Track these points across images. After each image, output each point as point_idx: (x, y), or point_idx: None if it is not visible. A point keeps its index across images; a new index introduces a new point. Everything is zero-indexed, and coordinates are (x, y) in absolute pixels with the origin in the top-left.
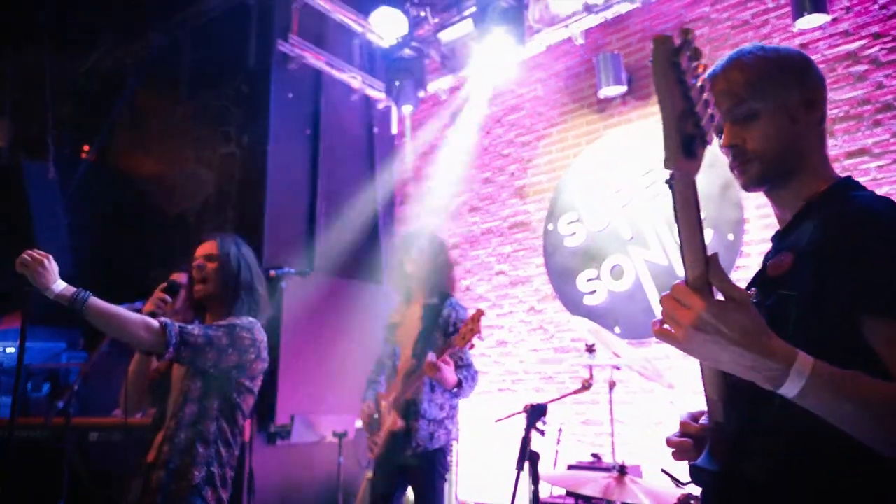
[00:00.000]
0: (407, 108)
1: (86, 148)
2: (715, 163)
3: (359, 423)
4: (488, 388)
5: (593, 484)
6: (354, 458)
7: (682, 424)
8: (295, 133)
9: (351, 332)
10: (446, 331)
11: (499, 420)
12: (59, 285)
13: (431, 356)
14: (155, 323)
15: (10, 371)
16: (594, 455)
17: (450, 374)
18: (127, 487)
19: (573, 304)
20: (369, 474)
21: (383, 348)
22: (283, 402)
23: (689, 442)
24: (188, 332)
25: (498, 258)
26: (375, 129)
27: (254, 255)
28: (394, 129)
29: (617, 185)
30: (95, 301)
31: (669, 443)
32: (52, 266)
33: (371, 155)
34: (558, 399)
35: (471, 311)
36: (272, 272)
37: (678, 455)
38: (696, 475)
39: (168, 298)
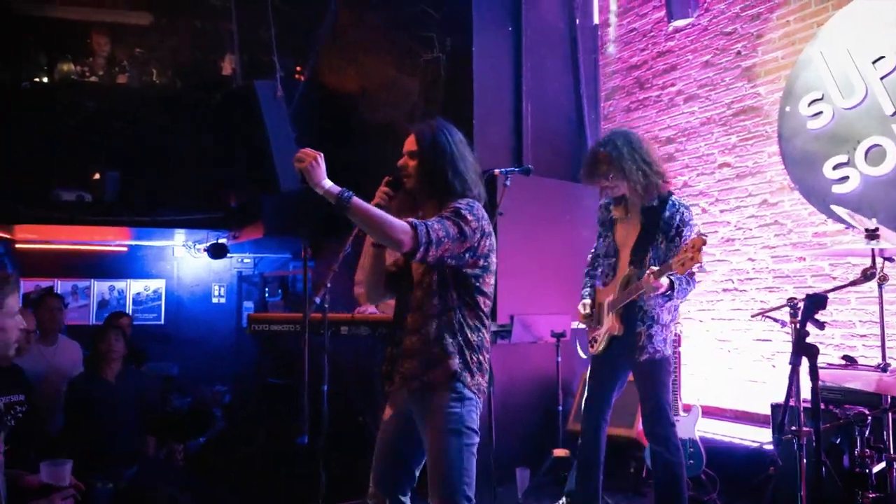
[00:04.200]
0: None
1: (298, 69)
2: None
3: (576, 324)
4: (711, 286)
5: (864, 379)
6: (572, 356)
7: None
8: (496, 31)
9: (563, 233)
10: (668, 234)
11: (756, 315)
12: (328, 182)
13: (651, 279)
14: (407, 225)
15: (249, 279)
16: (845, 357)
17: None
18: (381, 378)
19: (817, 194)
20: (586, 374)
21: (598, 242)
22: (502, 302)
23: None
24: (432, 230)
25: (721, 149)
26: (577, 20)
27: (464, 139)
28: (596, 19)
29: (877, 50)
30: (358, 200)
31: None
32: (322, 164)
33: (574, 48)
34: (838, 289)
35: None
36: (496, 171)
37: None
38: None
39: (391, 192)
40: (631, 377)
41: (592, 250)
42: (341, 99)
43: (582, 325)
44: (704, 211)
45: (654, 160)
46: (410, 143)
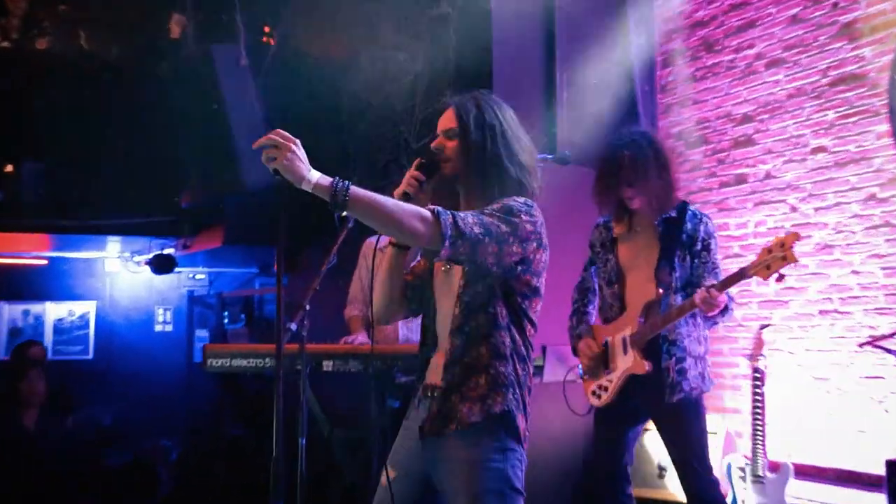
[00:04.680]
0: None
1: (267, 30)
2: None
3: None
4: (804, 308)
5: None
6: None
7: None
8: None
9: None
10: (693, 248)
11: (863, 346)
12: (314, 174)
13: (713, 293)
14: (426, 211)
15: (202, 300)
16: None
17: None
18: (406, 414)
19: None
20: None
21: (590, 271)
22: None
23: None
24: (464, 221)
25: (814, 129)
26: None
27: (513, 115)
28: None
29: None
30: (358, 190)
31: None
32: (301, 153)
33: (622, 2)
34: None
35: (778, 235)
36: None
37: None
38: None
39: (423, 177)
40: (648, 426)
41: (580, 281)
42: (323, 69)
43: (572, 377)
44: (794, 209)
45: (673, 165)
46: (448, 120)
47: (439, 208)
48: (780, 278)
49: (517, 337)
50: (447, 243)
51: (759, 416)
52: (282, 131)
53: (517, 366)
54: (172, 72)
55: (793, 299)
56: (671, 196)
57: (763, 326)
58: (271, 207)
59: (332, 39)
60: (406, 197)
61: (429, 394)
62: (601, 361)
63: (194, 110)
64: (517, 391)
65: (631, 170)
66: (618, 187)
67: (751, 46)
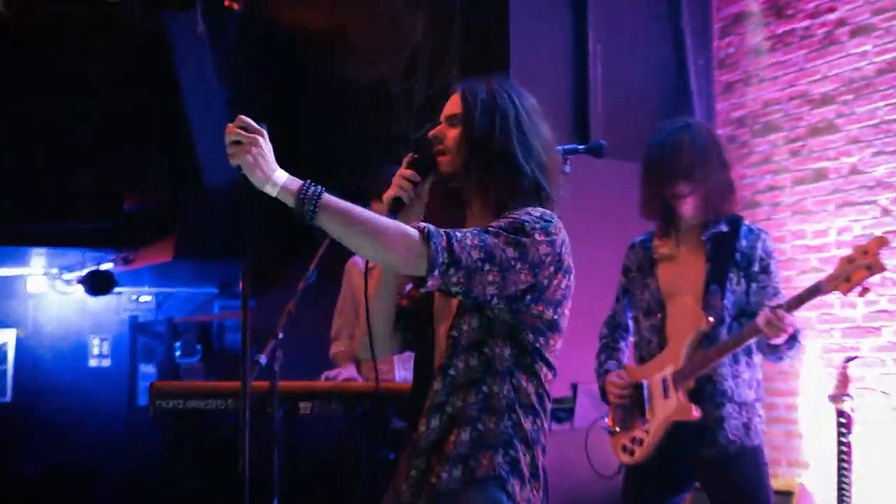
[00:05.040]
0: None
1: None
2: None
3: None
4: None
5: None
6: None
7: None
8: None
9: None
10: (749, 270)
11: None
12: (281, 175)
13: (770, 313)
14: (412, 231)
15: (148, 327)
16: None
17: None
18: (395, 470)
19: None
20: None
21: (622, 302)
22: (559, 362)
23: None
24: (460, 244)
25: None
26: None
27: (534, 104)
28: None
29: None
30: (331, 198)
31: None
32: (268, 147)
33: None
34: None
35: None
36: None
37: None
38: None
39: (417, 177)
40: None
41: (610, 315)
42: (299, 41)
43: (603, 423)
44: (886, 212)
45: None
46: (453, 105)
47: (430, 227)
48: (864, 291)
49: (523, 384)
50: (436, 272)
51: (844, 472)
52: (246, 119)
53: (521, 420)
54: (113, 43)
55: (886, 325)
56: (731, 199)
57: (849, 359)
58: (236, 210)
59: (311, 3)
60: (397, 203)
61: (412, 448)
62: (635, 408)
63: (143, 90)
64: (515, 452)
65: (690, 157)
66: (671, 180)
67: (831, 10)
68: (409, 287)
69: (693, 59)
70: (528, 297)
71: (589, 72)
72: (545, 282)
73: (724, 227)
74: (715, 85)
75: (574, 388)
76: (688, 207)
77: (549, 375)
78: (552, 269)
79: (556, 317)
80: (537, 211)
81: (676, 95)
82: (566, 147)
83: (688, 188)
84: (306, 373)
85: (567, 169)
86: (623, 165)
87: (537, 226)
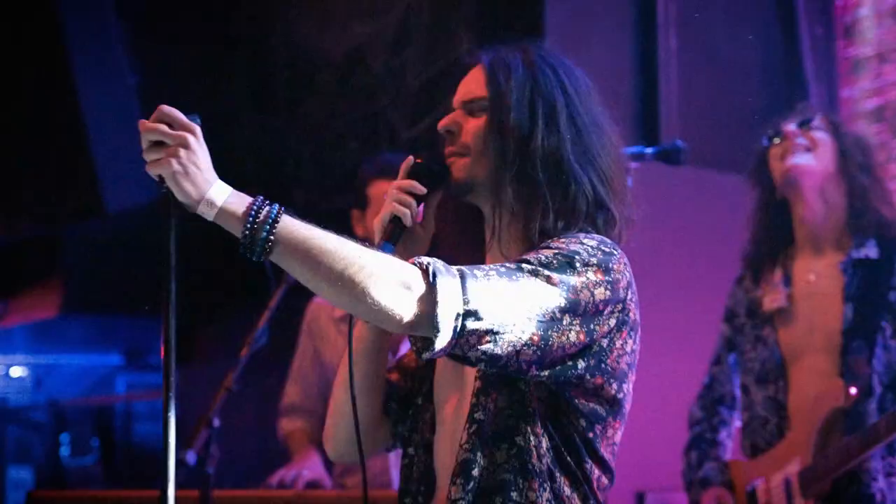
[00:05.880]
0: None
1: None
2: None
3: None
4: None
5: None
6: None
7: None
8: None
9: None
10: None
11: None
12: (222, 189)
13: None
14: (411, 270)
15: (21, 414)
16: None
17: None
18: None
19: None
20: None
21: (726, 363)
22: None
23: None
24: (481, 288)
25: None
26: None
27: (591, 87)
28: None
29: None
30: (292, 222)
31: None
32: (202, 150)
33: None
34: None
35: None
36: None
37: None
38: None
39: (421, 189)
40: None
41: (706, 385)
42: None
43: None
44: None
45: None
46: (473, 84)
47: (436, 262)
48: None
49: (566, 489)
50: (452, 339)
51: None
52: (169, 111)
53: None
54: None
55: None
56: (871, 221)
57: None
58: (150, 245)
59: None
60: (395, 228)
61: None
62: None
63: (20, 74)
64: None
65: (823, 151)
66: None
67: None
68: (401, 351)
69: (807, 30)
70: (582, 364)
71: (658, 68)
72: (605, 342)
73: (871, 251)
74: (839, 64)
75: (640, 498)
76: (817, 222)
77: (605, 480)
78: (613, 322)
79: (619, 394)
80: (593, 239)
81: (784, 80)
82: (631, 151)
83: (818, 199)
84: (252, 475)
85: (629, 181)
86: (708, 175)
87: (593, 260)
